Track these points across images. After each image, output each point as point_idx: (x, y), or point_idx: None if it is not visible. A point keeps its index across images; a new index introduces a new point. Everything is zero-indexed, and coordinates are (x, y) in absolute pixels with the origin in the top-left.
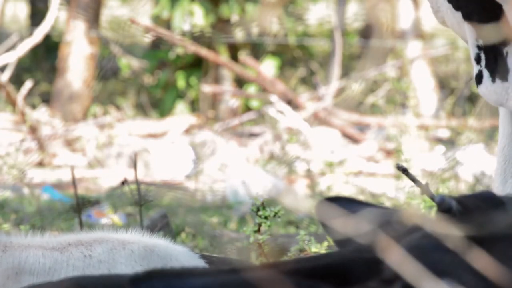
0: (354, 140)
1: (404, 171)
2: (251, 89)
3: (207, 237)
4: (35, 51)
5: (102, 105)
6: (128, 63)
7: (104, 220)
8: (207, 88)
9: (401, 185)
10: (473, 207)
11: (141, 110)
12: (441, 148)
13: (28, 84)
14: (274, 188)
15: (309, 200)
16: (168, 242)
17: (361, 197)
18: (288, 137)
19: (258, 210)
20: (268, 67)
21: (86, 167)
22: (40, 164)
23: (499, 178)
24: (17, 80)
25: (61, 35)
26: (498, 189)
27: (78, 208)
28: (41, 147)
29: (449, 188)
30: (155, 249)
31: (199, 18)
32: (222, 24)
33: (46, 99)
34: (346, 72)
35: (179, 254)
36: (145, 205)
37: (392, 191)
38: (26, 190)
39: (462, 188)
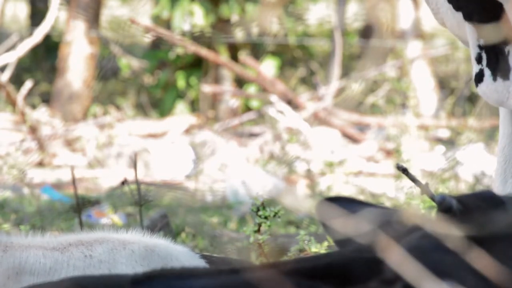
0: (354, 140)
1: (404, 171)
2: (251, 89)
3: (207, 237)
4: (35, 51)
5: (102, 105)
6: (128, 63)
7: (104, 220)
8: (207, 88)
9: (401, 185)
10: (474, 207)
11: (141, 110)
12: (441, 148)
13: (28, 84)
14: (274, 188)
15: (309, 200)
16: (169, 242)
17: (361, 197)
18: (288, 137)
19: (258, 210)
20: (268, 67)
21: (86, 167)
22: (40, 164)
23: (499, 178)
24: (17, 80)
25: (61, 35)
26: (498, 189)
27: (78, 208)
28: (41, 147)
29: (449, 188)
30: (156, 249)
31: (199, 18)
32: (222, 24)
33: (46, 99)
34: (346, 72)
35: (180, 254)
36: (145, 205)
37: (392, 191)
38: (26, 190)
39: (462, 188)
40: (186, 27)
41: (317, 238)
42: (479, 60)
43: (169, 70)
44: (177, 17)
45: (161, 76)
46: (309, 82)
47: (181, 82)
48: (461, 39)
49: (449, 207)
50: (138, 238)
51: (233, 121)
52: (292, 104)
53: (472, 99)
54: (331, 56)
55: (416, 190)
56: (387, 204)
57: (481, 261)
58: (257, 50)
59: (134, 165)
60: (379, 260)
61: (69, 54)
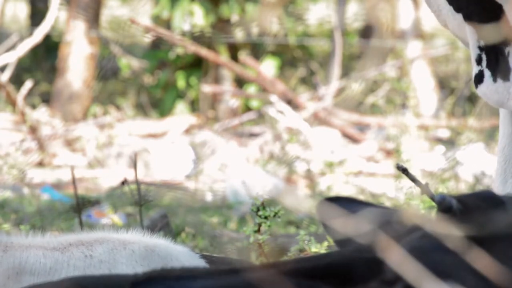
0: (354, 140)
1: (404, 171)
2: (251, 89)
3: (207, 237)
4: (35, 51)
5: (102, 105)
6: (128, 63)
7: (104, 220)
8: (207, 88)
9: (401, 185)
10: (474, 207)
11: (141, 110)
12: (441, 148)
13: (28, 84)
14: (274, 188)
15: (309, 200)
16: (169, 242)
17: (361, 197)
18: (288, 137)
19: (258, 210)
20: (268, 67)
21: (86, 167)
22: (40, 164)
23: (499, 178)
24: (17, 80)
25: (61, 35)
26: (498, 189)
27: (78, 208)
28: (41, 147)
29: (449, 188)
30: (156, 249)
31: (199, 18)
32: (222, 24)
33: (46, 99)
34: (346, 72)
35: (180, 254)
36: (145, 205)
37: (392, 191)
38: (26, 190)
39: (462, 188)
40: (186, 27)
41: (317, 238)
42: (479, 61)
43: (169, 70)
44: (177, 17)
45: (161, 76)
46: (309, 82)
47: (181, 82)
48: (462, 41)
49: (449, 207)
50: (138, 238)
51: (233, 121)
52: (292, 104)
53: (472, 99)
54: (331, 56)
55: (416, 190)
56: (387, 204)
57: (481, 261)
58: (257, 50)
59: (134, 165)
60: (380, 260)
61: (69, 54)
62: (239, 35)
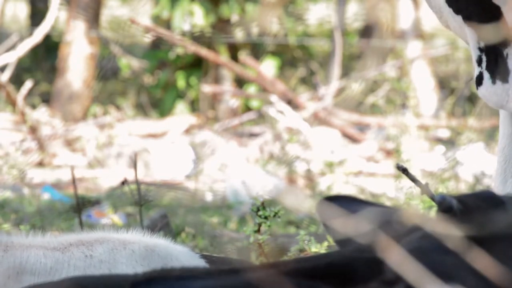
0: (354, 140)
1: (404, 171)
2: (251, 89)
3: (207, 237)
4: (35, 51)
5: (102, 105)
6: (128, 63)
7: (104, 220)
8: (207, 88)
9: (401, 185)
10: (474, 207)
11: (141, 110)
12: (441, 148)
13: (28, 84)
14: (274, 188)
15: (309, 200)
16: (169, 242)
17: (361, 197)
18: (288, 137)
19: (258, 210)
20: (268, 67)
21: (86, 167)
22: (40, 164)
23: (499, 178)
24: (17, 80)
25: (61, 35)
26: (498, 189)
27: (78, 208)
28: (41, 147)
29: (449, 188)
30: (156, 249)
31: (199, 18)
32: (222, 24)
33: (46, 99)
34: (346, 72)
35: (180, 254)
36: (145, 205)
37: (392, 191)
38: (26, 190)
39: (462, 188)
40: (186, 27)
41: (317, 238)
42: (479, 62)
43: (169, 70)
44: (177, 17)
45: (161, 76)
46: (309, 82)
47: (181, 82)
48: (466, 41)
49: (449, 207)
50: (138, 238)
51: (233, 121)
52: (292, 104)
53: (472, 99)
54: (331, 56)
55: (416, 190)
56: (387, 204)
57: (481, 261)
58: (257, 50)
59: (134, 165)
60: (380, 260)
61: (69, 54)
62: (239, 35)
